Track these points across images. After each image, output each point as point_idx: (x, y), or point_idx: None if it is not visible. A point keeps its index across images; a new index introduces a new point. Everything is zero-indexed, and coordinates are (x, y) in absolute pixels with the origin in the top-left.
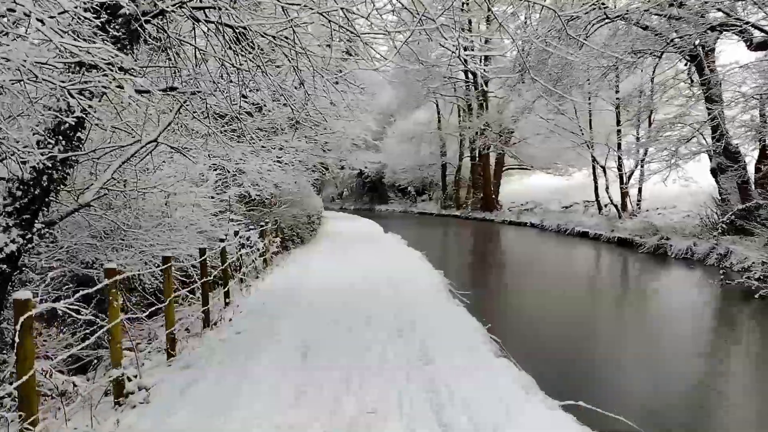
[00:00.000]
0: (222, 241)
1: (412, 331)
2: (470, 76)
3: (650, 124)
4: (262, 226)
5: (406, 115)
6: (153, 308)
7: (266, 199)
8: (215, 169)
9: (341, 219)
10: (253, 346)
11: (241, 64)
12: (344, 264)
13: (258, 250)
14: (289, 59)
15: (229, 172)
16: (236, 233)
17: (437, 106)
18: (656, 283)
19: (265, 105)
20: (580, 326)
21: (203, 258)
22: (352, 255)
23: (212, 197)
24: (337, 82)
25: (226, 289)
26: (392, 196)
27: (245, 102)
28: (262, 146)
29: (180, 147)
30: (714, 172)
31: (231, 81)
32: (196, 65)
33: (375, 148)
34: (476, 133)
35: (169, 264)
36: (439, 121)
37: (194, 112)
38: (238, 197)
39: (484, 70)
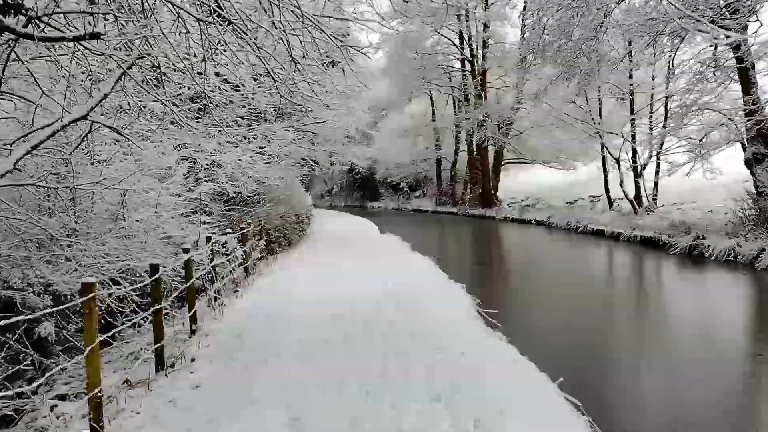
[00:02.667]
0: (186, 251)
1: (455, 394)
2: (467, 65)
3: (666, 113)
4: (242, 228)
5: (399, 108)
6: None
7: (248, 196)
8: (187, 160)
9: (332, 217)
10: (216, 413)
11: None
12: (340, 274)
13: (237, 258)
14: (276, 31)
15: (201, 165)
16: (208, 239)
17: (431, 98)
18: (724, 298)
19: (243, 85)
20: (668, 371)
21: (155, 277)
22: (348, 261)
23: (179, 195)
24: (329, 64)
25: (191, 312)
26: (384, 192)
27: (224, 84)
28: (244, 137)
29: (138, 132)
30: (749, 162)
31: (207, 58)
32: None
33: (367, 140)
34: (475, 124)
35: (91, 296)
36: (433, 113)
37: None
38: (214, 195)
39: (484, 57)
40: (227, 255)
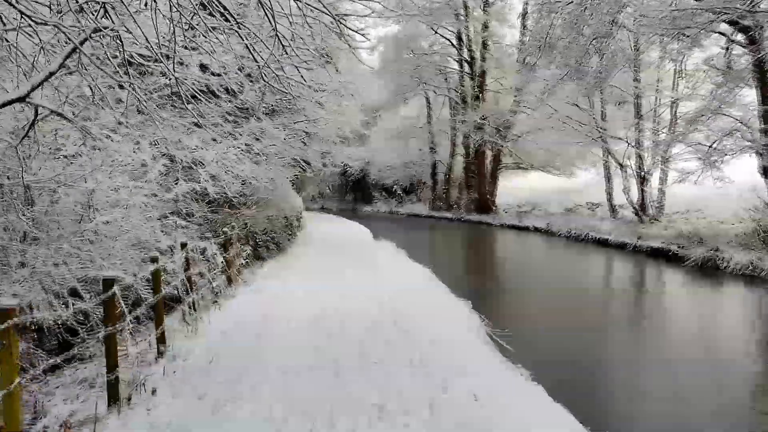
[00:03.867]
0: (154, 260)
1: None
2: (465, 66)
3: (673, 118)
4: (225, 232)
5: (394, 110)
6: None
7: (233, 197)
8: (164, 156)
9: (324, 221)
10: None
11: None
12: (331, 285)
13: (217, 266)
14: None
15: (179, 162)
16: (183, 245)
17: (427, 99)
18: (761, 320)
19: (226, 73)
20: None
21: (108, 294)
22: (339, 270)
23: (155, 195)
24: (323, 59)
25: (159, 331)
26: (377, 195)
27: (206, 75)
28: (229, 133)
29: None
30: (766, 170)
31: (188, 47)
32: None
33: (360, 141)
34: (473, 127)
35: (7, 323)
36: (429, 115)
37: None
38: (196, 196)
39: (483, 58)
40: (207, 262)
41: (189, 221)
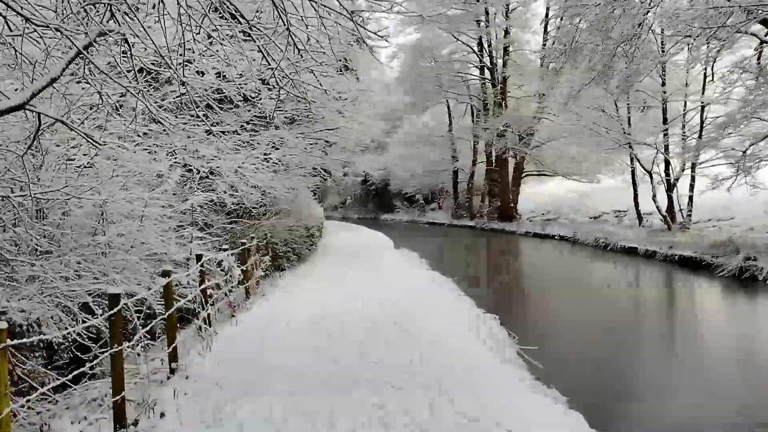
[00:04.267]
0: (167, 274)
1: None
2: (486, 72)
3: (702, 122)
4: (243, 243)
5: (415, 118)
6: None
7: (253, 208)
8: (181, 167)
9: (344, 230)
10: None
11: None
12: (351, 297)
13: (234, 278)
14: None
15: (197, 171)
16: (199, 257)
17: (448, 107)
18: None
19: (242, 79)
20: None
21: (114, 311)
22: (359, 281)
23: (171, 206)
24: (343, 68)
25: (170, 348)
26: (398, 204)
27: (219, 81)
28: (247, 142)
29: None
30: None
31: (202, 53)
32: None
33: (381, 149)
34: (495, 134)
35: None
36: (450, 123)
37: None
38: (215, 206)
39: (504, 64)
40: (225, 274)
41: (208, 232)
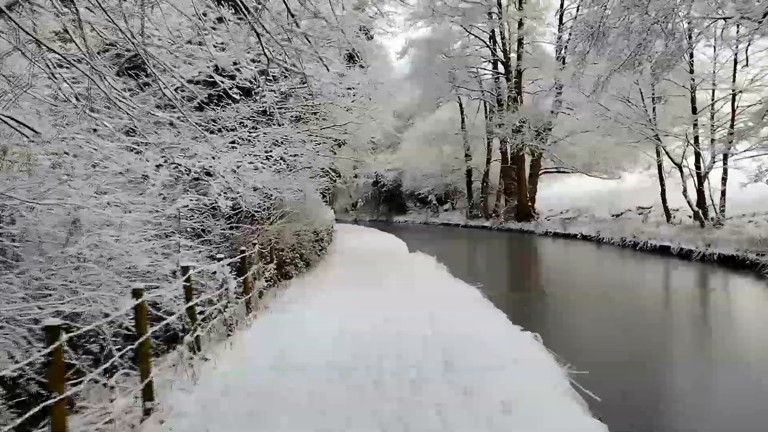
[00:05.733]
0: (138, 294)
1: None
2: (500, 66)
3: (733, 111)
4: (242, 251)
5: (426, 117)
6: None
7: (255, 211)
8: (170, 166)
9: (356, 233)
10: None
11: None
12: (366, 312)
13: (230, 291)
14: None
15: (188, 172)
16: (185, 270)
17: (460, 104)
18: None
19: (238, 68)
20: None
21: (51, 348)
22: (374, 291)
23: (158, 210)
24: (351, 57)
25: (144, 384)
26: (411, 206)
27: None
28: (246, 139)
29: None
30: None
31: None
32: None
33: (393, 148)
34: (510, 130)
35: None
36: (462, 121)
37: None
38: (212, 210)
39: (519, 56)
40: (220, 287)
41: (203, 240)
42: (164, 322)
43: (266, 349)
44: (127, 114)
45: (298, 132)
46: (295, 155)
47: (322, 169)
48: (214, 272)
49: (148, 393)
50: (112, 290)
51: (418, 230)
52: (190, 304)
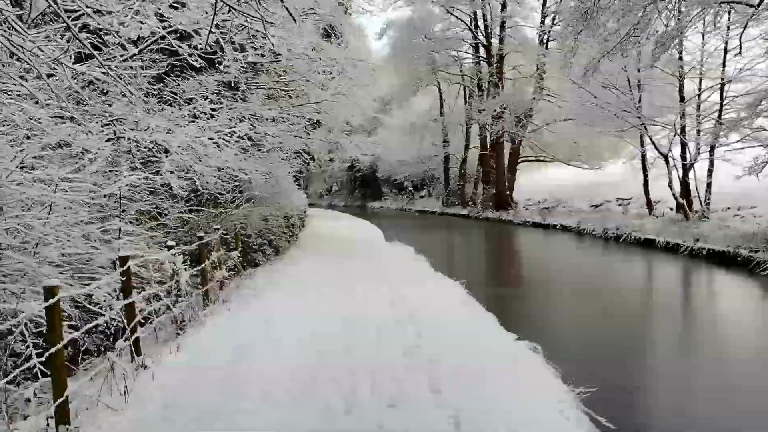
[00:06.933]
0: (51, 293)
1: None
2: (482, 50)
3: (722, 101)
4: (201, 237)
5: (405, 102)
6: None
7: (219, 194)
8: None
9: (330, 218)
10: None
11: None
12: (337, 310)
13: (182, 284)
14: None
15: (136, 147)
16: (124, 260)
17: (439, 90)
18: None
19: (198, 33)
20: None
21: None
22: (348, 286)
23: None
24: (328, 35)
25: (57, 402)
26: (387, 191)
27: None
28: (210, 113)
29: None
30: None
31: None
32: None
33: (369, 133)
34: (490, 117)
35: None
36: (441, 107)
37: None
38: (168, 191)
39: (501, 40)
40: (171, 279)
41: (158, 224)
42: (91, 324)
43: (220, 354)
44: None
45: (270, 109)
46: (264, 135)
47: (295, 151)
48: (161, 264)
49: (62, 415)
50: (36, 283)
51: (393, 217)
52: (128, 300)
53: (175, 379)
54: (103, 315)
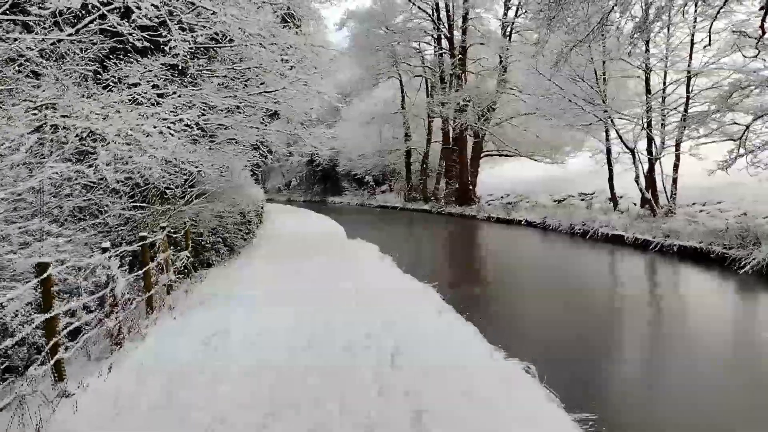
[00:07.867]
0: None
1: None
2: (444, 42)
3: (688, 91)
4: (143, 237)
5: (365, 94)
6: None
7: (167, 188)
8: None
9: (289, 214)
10: None
11: None
12: (298, 317)
13: (117, 294)
14: None
15: (69, 133)
16: (43, 267)
17: (401, 82)
18: None
19: (139, 7)
20: None
21: None
22: (307, 287)
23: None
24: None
25: None
26: (347, 186)
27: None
28: (156, 99)
29: None
30: None
31: None
32: None
33: (329, 126)
34: (453, 110)
35: None
36: (403, 99)
37: None
38: (105, 185)
39: (464, 31)
40: (105, 287)
41: (93, 223)
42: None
43: (158, 376)
44: None
45: (225, 98)
46: (218, 125)
47: (252, 143)
48: (94, 269)
49: None
50: None
51: (354, 212)
52: (48, 315)
53: (102, 411)
54: (14, 335)
